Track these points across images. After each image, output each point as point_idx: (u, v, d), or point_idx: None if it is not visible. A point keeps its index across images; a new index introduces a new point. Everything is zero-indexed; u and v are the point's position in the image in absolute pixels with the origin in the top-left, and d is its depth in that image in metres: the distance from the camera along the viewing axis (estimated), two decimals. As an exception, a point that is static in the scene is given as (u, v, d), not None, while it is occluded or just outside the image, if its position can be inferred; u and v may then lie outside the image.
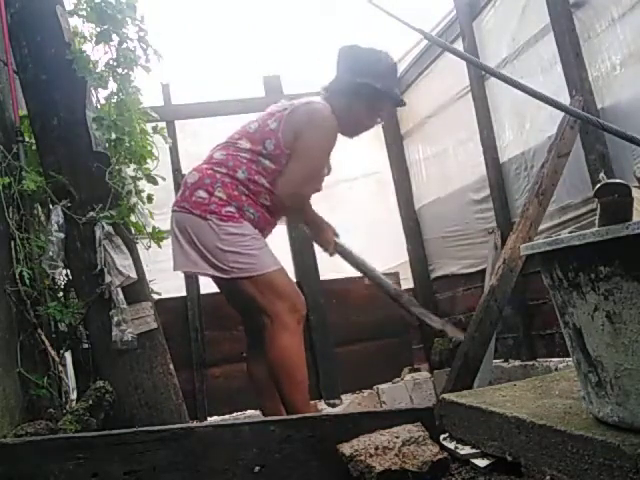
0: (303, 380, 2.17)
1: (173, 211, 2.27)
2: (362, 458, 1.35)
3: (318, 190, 2.38)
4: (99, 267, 2.22)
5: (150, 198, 2.55)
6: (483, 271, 3.57)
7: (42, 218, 2.45)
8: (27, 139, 2.40)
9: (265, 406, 2.37)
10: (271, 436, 1.46)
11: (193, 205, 2.18)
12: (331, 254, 2.50)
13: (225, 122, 4.08)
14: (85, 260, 2.26)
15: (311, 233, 2.52)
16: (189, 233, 2.17)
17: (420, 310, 2.64)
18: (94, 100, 2.44)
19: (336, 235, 2.50)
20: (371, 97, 2.34)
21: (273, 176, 2.24)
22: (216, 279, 2.29)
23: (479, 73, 3.45)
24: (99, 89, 2.45)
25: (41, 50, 2.32)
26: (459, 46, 3.53)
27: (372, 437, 1.43)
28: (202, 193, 2.19)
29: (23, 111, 2.42)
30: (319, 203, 2.44)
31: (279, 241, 3.43)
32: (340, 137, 2.36)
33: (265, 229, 2.30)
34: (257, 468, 1.42)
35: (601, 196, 1.12)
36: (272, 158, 2.23)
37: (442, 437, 1.58)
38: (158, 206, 2.64)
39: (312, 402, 2.90)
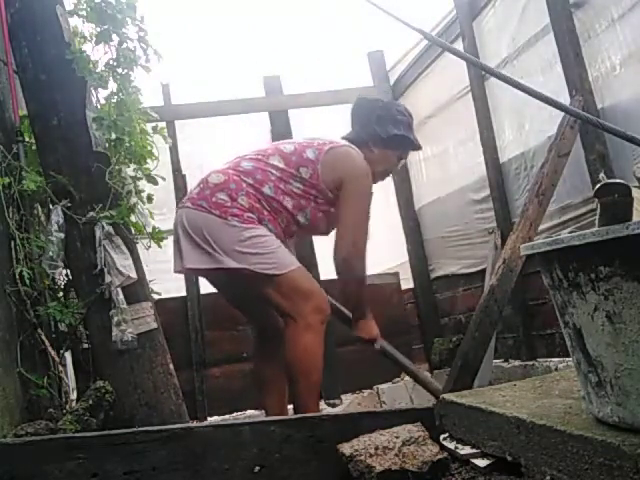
0: (318, 382, 2.17)
1: (184, 207, 2.23)
2: (362, 458, 1.35)
3: None
4: (99, 267, 2.22)
5: (150, 198, 2.54)
6: (483, 271, 3.57)
7: (42, 218, 2.45)
8: (27, 139, 2.40)
9: (269, 406, 2.37)
10: (271, 436, 1.46)
11: (212, 205, 2.15)
12: (379, 346, 2.50)
13: (225, 122, 4.09)
14: (85, 260, 2.26)
15: (356, 317, 2.43)
16: (203, 234, 2.14)
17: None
18: (94, 100, 2.44)
19: None
20: (403, 147, 2.50)
21: (298, 200, 2.23)
22: (225, 278, 2.25)
23: (479, 73, 3.45)
24: (99, 89, 2.44)
25: (41, 50, 2.32)
26: (459, 46, 3.53)
27: (372, 437, 1.43)
28: (224, 196, 2.16)
29: (23, 111, 2.42)
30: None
31: (279, 241, 3.43)
32: None
33: None
34: (257, 468, 1.43)
35: (601, 196, 1.12)
36: (304, 184, 2.23)
37: (442, 437, 1.57)
38: (158, 206, 2.64)
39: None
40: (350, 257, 2.22)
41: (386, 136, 2.41)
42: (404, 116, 2.50)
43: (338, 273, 2.28)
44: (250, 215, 2.15)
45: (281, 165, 2.24)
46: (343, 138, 2.46)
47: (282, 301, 2.13)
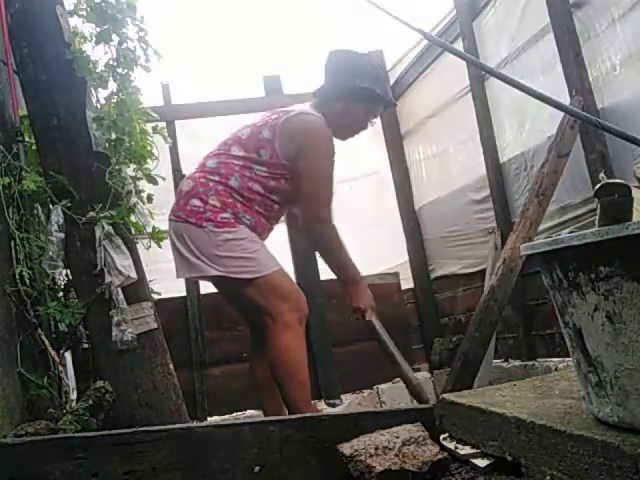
0: (305, 380, 2.17)
1: (170, 220, 2.28)
2: (362, 458, 1.35)
3: None
4: (99, 267, 2.22)
5: (150, 198, 2.55)
6: (483, 271, 3.57)
7: (42, 218, 2.45)
8: (27, 139, 2.40)
9: (266, 406, 2.38)
10: (271, 436, 1.46)
11: (188, 214, 2.18)
12: (370, 318, 2.38)
13: (225, 122, 4.09)
14: (85, 260, 2.26)
15: (344, 285, 2.36)
16: (186, 241, 2.17)
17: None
18: (94, 100, 2.44)
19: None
20: (370, 100, 2.39)
21: (267, 182, 2.24)
22: (216, 280, 2.29)
23: (479, 73, 3.45)
24: (99, 89, 2.44)
25: (41, 50, 2.32)
26: (459, 46, 3.53)
27: (372, 437, 1.43)
28: (196, 202, 2.19)
29: (23, 111, 2.42)
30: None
31: (279, 241, 3.43)
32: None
33: (262, 234, 2.30)
34: (257, 468, 1.42)
35: (601, 196, 1.12)
36: (267, 165, 2.24)
37: (442, 437, 1.58)
38: (158, 206, 2.64)
39: (312, 402, 2.90)
40: (315, 225, 2.24)
41: (348, 89, 2.34)
42: (372, 68, 2.41)
43: (310, 242, 2.34)
44: (224, 216, 2.16)
45: (241, 153, 2.25)
46: (313, 94, 2.43)
47: (261, 301, 2.16)
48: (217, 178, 2.22)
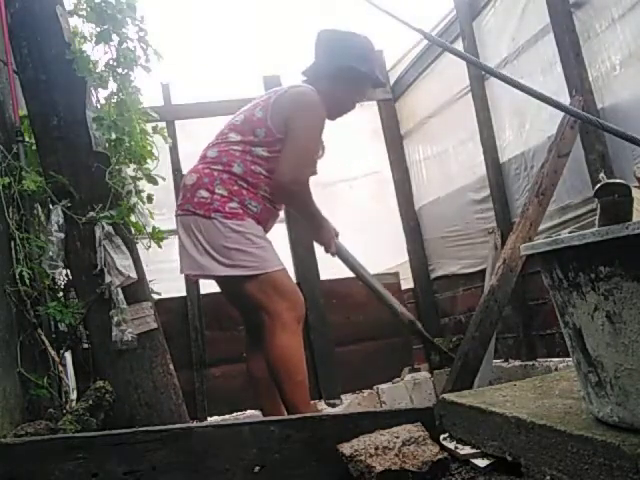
0: (303, 380, 2.17)
1: (177, 215, 2.28)
2: (362, 458, 1.35)
3: (314, 173, 2.38)
4: (99, 267, 2.22)
5: (150, 198, 2.55)
6: (483, 271, 3.57)
7: (42, 218, 2.45)
8: (27, 139, 2.40)
9: (265, 406, 2.38)
10: (271, 436, 1.46)
11: (196, 206, 2.19)
12: (332, 254, 2.52)
13: (225, 122, 4.09)
14: (85, 260, 2.26)
15: (312, 230, 2.51)
16: (194, 233, 2.18)
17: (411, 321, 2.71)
18: (94, 100, 2.44)
19: (336, 235, 2.52)
20: (356, 80, 2.38)
21: (269, 163, 2.24)
22: (220, 279, 2.29)
23: (479, 73, 3.45)
24: (99, 89, 2.45)
25: (41, 50, 2.32)
26: (459, 46, 3.53)
27: (372, 437, 1.43)
28: (203, 192, 2.19)
29: (23, 111, 2.42)
30: (318, 202, 2.44)
31: (279, 241, 3.43)
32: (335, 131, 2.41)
33: (268, 221, 2.31)
34: (257, 468, 1.42)
35: (601, 196, 1.12)
36: (265, 145, 2.24)
37: (442, 437, 1.57)
38: (158, 206, 2.64)
39: (312, 402, 2.90)
40: (294, 179, 2.22)
41: (333, 68, 2.33)
42: (359, 47, 2.37)
43: (282, 195, 2.29)
44: (232, 206, 2.17)
45: (238, 138, 2.27)
46: (303, 72, 2.44)
47: (261, 298, 2.16)
48: (220, 167, 2.23)
